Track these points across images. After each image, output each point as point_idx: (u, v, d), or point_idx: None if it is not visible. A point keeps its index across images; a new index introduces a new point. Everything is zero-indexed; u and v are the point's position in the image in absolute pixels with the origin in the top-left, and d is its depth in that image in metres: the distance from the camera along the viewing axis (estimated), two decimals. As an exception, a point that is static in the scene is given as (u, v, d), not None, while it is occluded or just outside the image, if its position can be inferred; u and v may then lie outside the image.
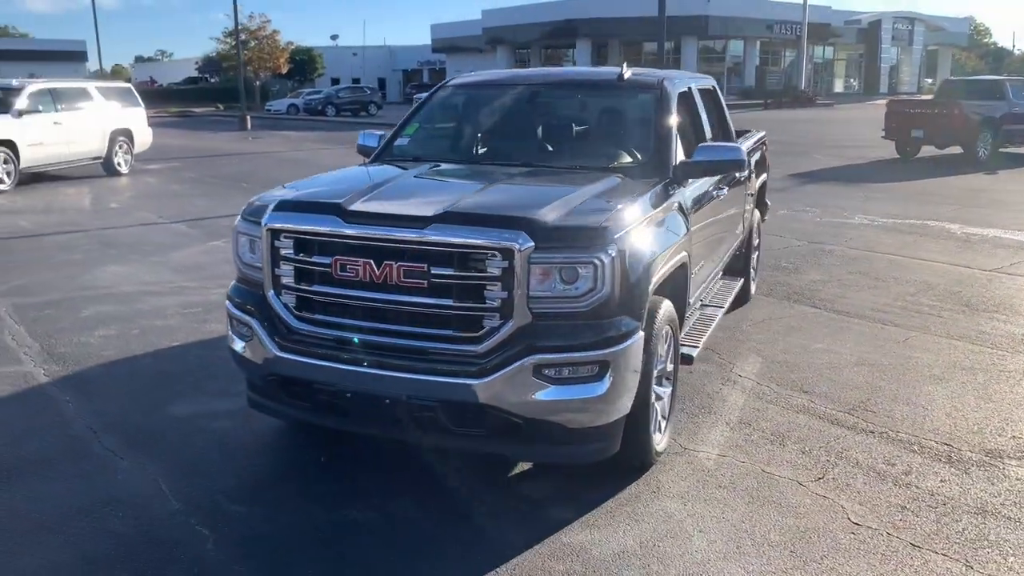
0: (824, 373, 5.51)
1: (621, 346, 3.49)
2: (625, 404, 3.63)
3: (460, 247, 3.41)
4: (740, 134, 7.27)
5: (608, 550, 3.38)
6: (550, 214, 3.52)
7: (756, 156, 6.97)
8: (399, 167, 4.66)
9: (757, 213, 7.19)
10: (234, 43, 57.50)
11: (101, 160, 16.98)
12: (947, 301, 7.33)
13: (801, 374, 5.49)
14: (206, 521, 3.55)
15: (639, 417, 3.80)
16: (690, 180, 4.64)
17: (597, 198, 3.86)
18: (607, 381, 3.47)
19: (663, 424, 4.20)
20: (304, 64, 65.95)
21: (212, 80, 72.09)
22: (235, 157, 22.16)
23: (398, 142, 5.18)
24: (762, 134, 7.69)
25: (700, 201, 4.78)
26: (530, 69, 6.96)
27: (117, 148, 17.28)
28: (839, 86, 69.33)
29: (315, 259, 3.64)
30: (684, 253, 4.27)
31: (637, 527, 3.56)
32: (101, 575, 3.18)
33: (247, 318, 3.87)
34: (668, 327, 4.11)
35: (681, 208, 4.36)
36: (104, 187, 15.65)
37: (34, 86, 15.69)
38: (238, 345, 3.97)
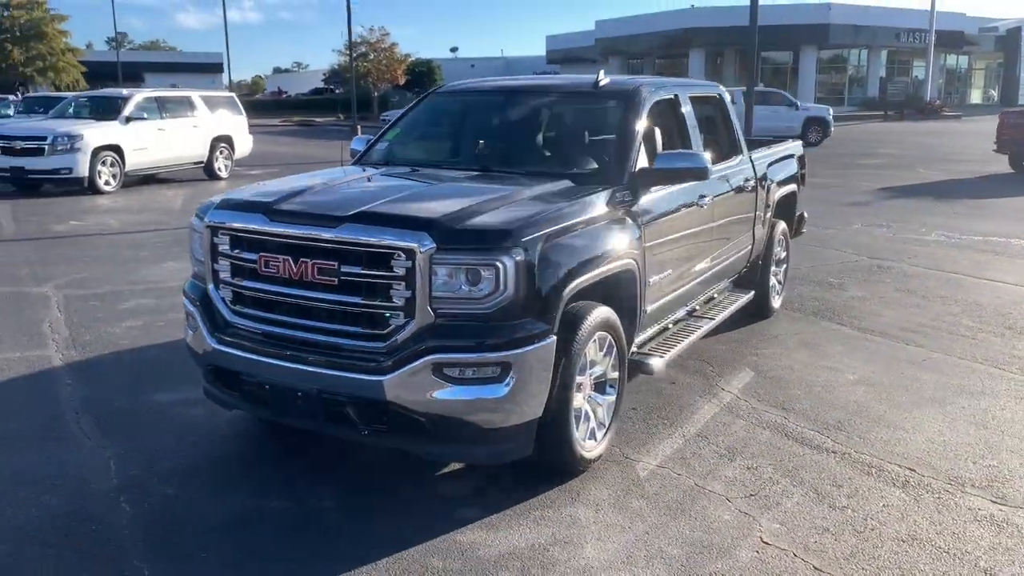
0: (814, 391, 5.31)
1: (524, 349, 3.51)
2: (533, 407, 3.63)
3: (367, 246, 3.51)
4: (763, 144, 7.10)
5: (495, 551, 3.39)
6: (456, 217, 3.58)
7: (777, 168, 6.77)
8: (365, 169, 4.82)
9: (782, 225, 6.97)
10: (354, 55, 59.77)
11: (203, 165, 17.97)
12: (990, 323, 6.90)
13: (789, 391, 5.31)
14: (133, 500, 3.77)
15: (557, 422, 3.79)
16: (653, 188, 4.58)
17: (521, 202, 3.88)
18: (508, 383, 3.49)
19: (598, 431, 4.17)
20: (423, 76, 67.64)
21: (337, 91, 74.88)
22: (335, 164, 22.96)
23: (379, 146, 5.33)
24: (792, 146, 7.46)
25: (665, 209, 4.71)
26: (514, 77, 7.01)
27: (218, 154, 18.25)
28: (976, 97, 65.62)
29: (245, 255, 3.83)
30: (629, 260, 4.22)
31: (536, 531, 3.56)
32: (16, 543, 3.43)
33: (193, 310, 4.09)
34: (606, 334, 4.09)
35: (630, 215, 4.31)
36: (201, 190, 16.57)
37: (141, 95, 16.80)
38: (188, 336, 4.20)
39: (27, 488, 3.88)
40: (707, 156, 4.57)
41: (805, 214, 7.96)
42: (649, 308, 4.61)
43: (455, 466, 4.12)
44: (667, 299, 4.85)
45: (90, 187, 15.19)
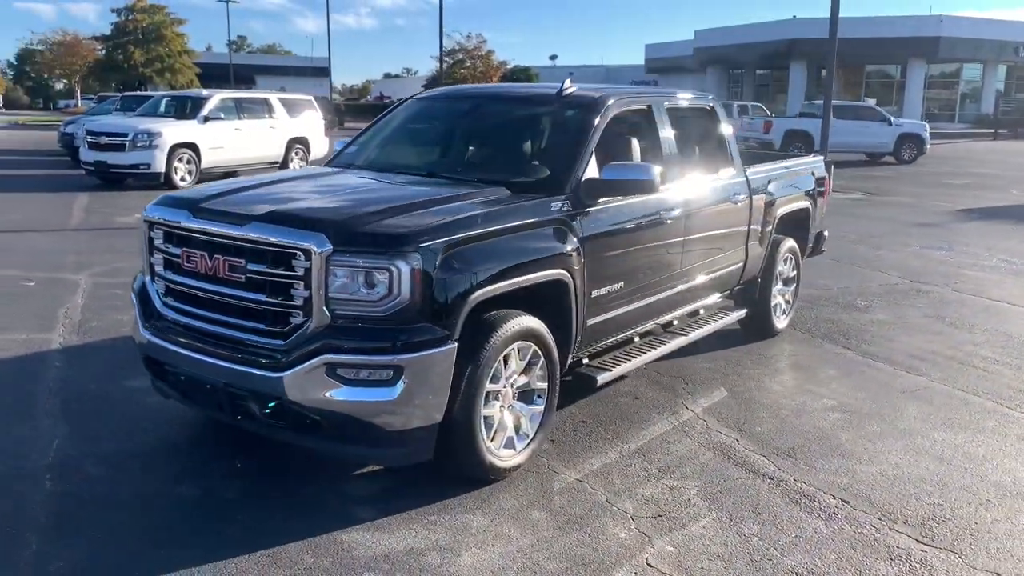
0: (781, 415, 5.13)
1: (418, 353, 3.53)
2: (431, 412, 3.65)
3: (270, 245, 3.60)
4: (773, 158, 6.90)
5: (370, 552, 3.42)
6: (356, 220, 3.63)
7: (782, 183, 6.56)
8: (326, 169, 4.94)
9: (789, 243, 6.75)
10: (451, 62, 60.74)
11: (278, 165, 18.59)
12: (1010, 355, 6.51)
13: (754, 413, 5.14)
14: (58, 478, 3.96)
15: (464, 428, 3.79)
16: (602, 200, 4.52)
17: (436, 208, 3.90)
18: (400, 386, 3.51)
19: (518, 441, 4.14)
20: (520, 82, 68.27)
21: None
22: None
23: (348, 149, 5.43)
24: (807, 161, 7.23)
25: (618, 221, 4.64)
26: (483, 85, 6.99)
27: (293, 154, 18.84)
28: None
29: (172, 250, 3.98)
30: (561, 272, 4.18)
31: (421, 535, 3.56)
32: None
33: (134, 302, 4.27)
34: (529, 344, 4.06)
35: (568, 225, 4.27)
36: (271, 189, 17.12)
37: (219, 96, 17.52)
38: (132, 327, 4.38)
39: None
40: (657, 169, 4.47)
41: (825, 233, 7.68)
42: (592, 321, 4.54)
43: (376, 467, 4.16)
44: (618, 313, 4.76)
45: (166, 182, 15.90)
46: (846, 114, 26.77)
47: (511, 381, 4.08)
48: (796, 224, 6.93)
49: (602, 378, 4.70)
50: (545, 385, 4.26)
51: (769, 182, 6.33)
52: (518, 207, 4.11)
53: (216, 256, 3.74)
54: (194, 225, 3.84)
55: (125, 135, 15.80)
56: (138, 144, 15.75)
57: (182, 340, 3.90)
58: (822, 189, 7.37)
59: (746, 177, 6.02)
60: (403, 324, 3.53)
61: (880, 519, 3.87)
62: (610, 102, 4.87)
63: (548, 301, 4.23)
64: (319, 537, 3.51)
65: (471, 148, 5.07)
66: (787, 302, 6.98)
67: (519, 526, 3.68)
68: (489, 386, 3.90)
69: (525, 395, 4.21)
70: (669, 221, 5.07)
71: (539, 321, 4.13)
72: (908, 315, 7.70)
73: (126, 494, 3.84)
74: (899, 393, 5.61)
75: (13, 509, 3.66)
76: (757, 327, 6.71)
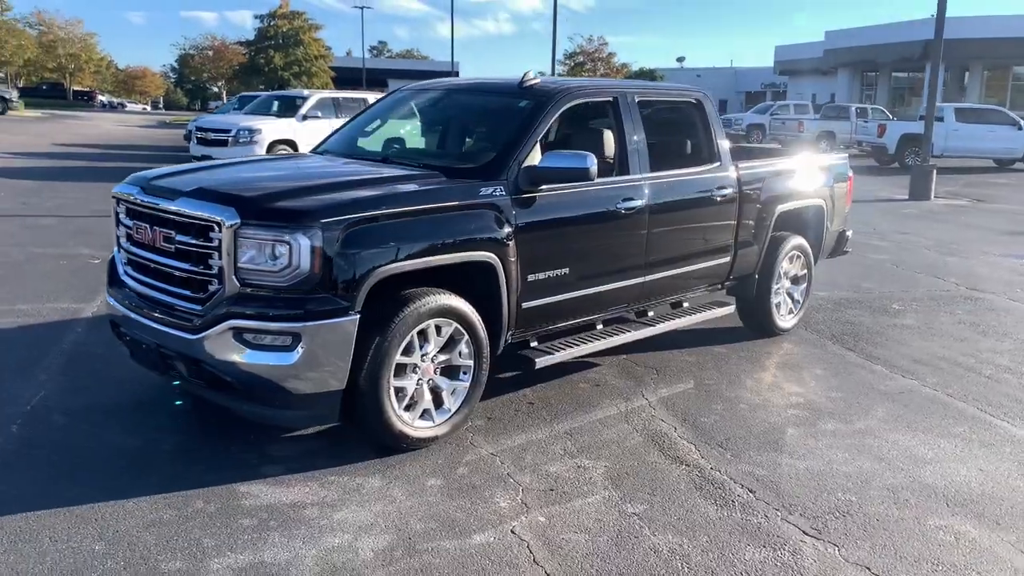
0: (735, 409, 5.10)
1: (316, 322, 3.78)
2: (332, 379, 3.89)
3: (191, 218, 3.95)
4: (781, 154, 6.78)
5: (258, 503, 3.68)
6: (266, 196, 3.94)
7: (783, 180, 6.45)
8: (300, 155, 5.28)
9: (795, 240, 6.62)
10: (572, 65, 60.93)
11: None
12: (1029, 363, 6.20)
13: (708, 406, 5.13)
14: (26, 425, 4.43)
15: (370, 397, 4.01)
16: (545, 187, 4.65)
17: (353, 188, 4.17)
18: (298, 352, 3.78)
19: (436, 414, 4.32)
20: (643, 85, 67.80)
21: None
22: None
23: (331, 136, 5.76)
24: (819, 158, 7.07)
25: (563, 209, 4.76)
26: (458, 79, 7.13)
27: (388, 152, 19.53)
28: None
29: (126, 222, 4.40)
30: (487, 254, 4.34)
31: (311, 492, 3.80)
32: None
33: (106, 271, 4.73)
34: (450, 321, 4.25)
35: (499, 209, 4.43)
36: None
37: (318, 96, 18.41)
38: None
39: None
40: (592, 159, 4.55)
41: (848, 232, 7.46)
42: (529, 304, 4.68)
43: (307, 431, 4.44)
44: (564, 298, 4.86)
45: (263, 176, 16.84)
46: (972, 118, 25.35)
47: (431, 356, 4.28)
48: (805, 222, 6.79)
49: (541, 361, 4.82)
50: (471, 363, 4.43)
51: (766, 178, 6.25)
52: (438, 190, 4.32)
53: (155, 228, 4.13)
54: (141, 199, 4.24)
55: (228, 131, 16.86)
56: (240, 140, 16.76)
57: (131, 304, 4.31)
58: (843, 188, 7.18)
59: (735, 172, 5.97)
60: (303, 294, 3.80)
61: (777, 510, 3.85)
62: (562, 94, 4.99)
63: (476, 282, 4.40)
64: (220, 487, 3.82)
65: (427, 137, 5.30)
66: (795, 301, 6.84)
67: (409, 490, 3.88)
68: (402, 359, 4.11)
69: (450, 371, 4.40)
70: (627, 211, 5.12)
71: (462, 300, 4.31)
72: (939, 321, 7.39)
73: (75, 441, 4.27)
74: (878, 395, 5.45)
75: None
76: (757, 324, 6.63)
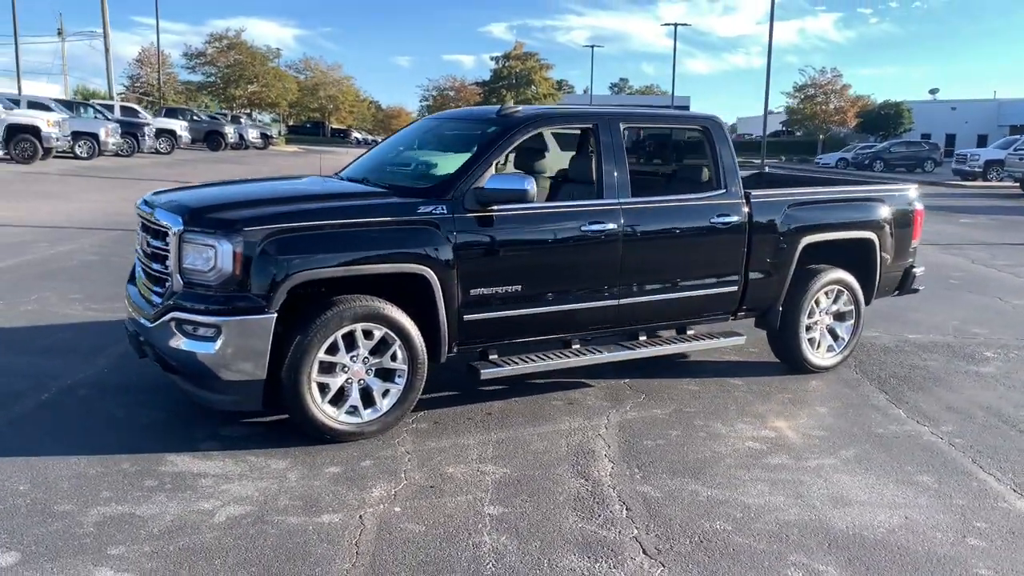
0: (692, 438, 5.04)
1: (234, 318, 4.33)
2: (252, 369, 4.40)
3: (158, 225, 4.67)
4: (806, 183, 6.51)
5: (171, 470, 4.24)
6: (205, 208, 4.56)
7: (814, 210, 6.20)
8: (292, 178, 5.96)
9: (834, 274, 6.30)
10: (803, 97, 58.61)
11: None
12: (1086, 421, 5.53)
13: (666, 432, 5.11)
14: (56, 394, 5.29)
15: (292, 390, 4.49)
16: (495, 207, 4.93)
17: (289, 203, 4.72)
18: (219, 343, 4.34)
19: (364, 410, 4.69)
20: (888, 119, 63.74)
21: (797, 133, 73.95)
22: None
23: (353, 162, 6.35)
24: (867, 188, 6.69)
25: (512, 227, 5.00)
26: (458, 110, 7.36)
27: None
28: None
29: (139, 231, 5.21)
30: (421, 267, 4.68)
31: (221, 466, 4.31)
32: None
33: (129, 275, 5.59)
34: (379, 327, 4.64)
35: (437, 226, 4.76)
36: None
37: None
38: (130, 292, 5.70)
39: (14, 364, 5.74)
40: (530, 181, 4.80)
41: (916, 270, 6.95)
42: (472, 317, 4.95)
43: (271, 417, 4.97)
44: (512, 314, 5.06)
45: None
46: None
47: (361, 358, 4.69)
48: (850, 256, 6.46)
49: (487, 373, 5.07)
50: (405, 367, 4.79)
51: (786, 208, 6.06)
52: (370, 206, 4.76)
53: (146, 235, 4.90)
54: (142, 211, 5.03)
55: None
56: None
57: (129, 301, 5.11)
58: (905, 221, 6.74)
59: (745, 200, 5.87)
60: (228, 292, 4.36)
61: (638, 528, 3.86)
62: (528, 121, 5.25)
63: (412, 293, 4.77)
64: (153, 454, 4.44)
65: (405, 162, 5.73)
66: (837, 338, 6.51)
67: (304, 473, 4.29)
68: (326, 357, 4.56)
69: (385, 374, 4.78)
70: (595, 234, 5.25)
71: (396, 308, 4.69)
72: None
73: (78, 410, 5.07)
74: (867, 437, 5.15)
75: (5, 405, 5.10)
76: (788, 359, 6.41)
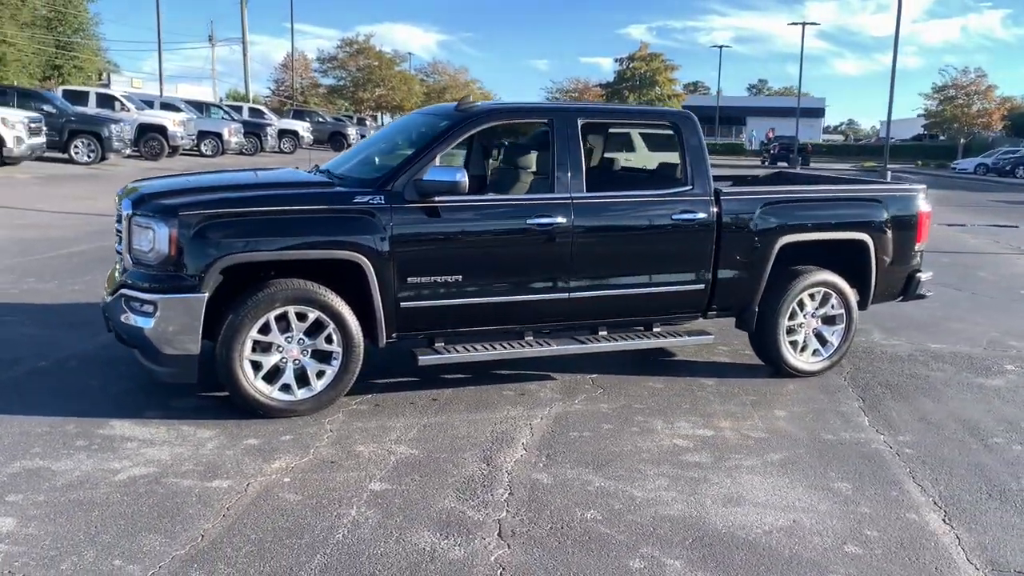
0: (622, 433, 5.04)
1: (167, 296, 4.68)
2: (186, 344, 4.73)
3: (117, 209, 5.09)
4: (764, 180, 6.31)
5: (106, 433, 4.62)
6: (150, 194, 4.95)
7: (791, 209, 6.03)
8: (258, 169, 6.29)
9: (820, 276, 6.11)
10: (942, 99, 55.37)
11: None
12: (1069, 439, 5.18)
13: (598, 425, 5.13)
14: (53, 363, 5.81)
15: (223, 365, 4.80)
16: (437, 198, 5.09)
17: (225, 191, 5.07)
18: (155, 318, 4.70)
19: (298, 389, 4.94)
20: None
21: (941, 137, 70.07)
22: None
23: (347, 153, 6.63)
24: (862, 188, 6.41)
25: (453, 219, 5.15)
26: (433, 105, 7.42)
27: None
28: None
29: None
30: (354, 255, 4.89)
31: (152, 433, 4.65)
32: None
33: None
34: (313, 310, 4.89)
35: (369, 214, 4.96)
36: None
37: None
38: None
39: (34, 336, 6.32)
40: (460, 173, 4.94)
41: (920, 275, 6.62)
42: (409, 305, 5.12)
43: (222, 393, 5.31)
44: (452, 303, 5.20)
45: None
46: None
47: (296, 339, 4.95)
48: (840, 258, 6.24)
49: (425, 359, 5.23)
50: (339, 350, 5.01)
51: (760, 207, 5.92)
52: (304, 195, 5.03)
53: (118, 221, 5.35)
54: (116, 200, 5.48)
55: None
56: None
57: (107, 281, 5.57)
58: (908, 223, 6.44)
59: (713, 197, 5.78)
60: (164, 272, 4.72)
61: (506, 512, 3.94)
62: (478, 116, 5.38)
63: (351, 279, 4.99)
64: (99, 419, 4.84)
65: (378, 155, 5.94)
66: (824, 342, 6.30)
67: (223, 443, 4.58)
68: (259, 336, 4.84)
69: (322, 355, 5.03)
70: (542, 227, 5.31)
71: (331, 293, 4.93)
72: (1035, 387, 6.28)
73: (63, 377, 5.56)
74: (809, 441, 5.01)
75: (6, 365, 5.65)
76: (768, 360, 6.27)
